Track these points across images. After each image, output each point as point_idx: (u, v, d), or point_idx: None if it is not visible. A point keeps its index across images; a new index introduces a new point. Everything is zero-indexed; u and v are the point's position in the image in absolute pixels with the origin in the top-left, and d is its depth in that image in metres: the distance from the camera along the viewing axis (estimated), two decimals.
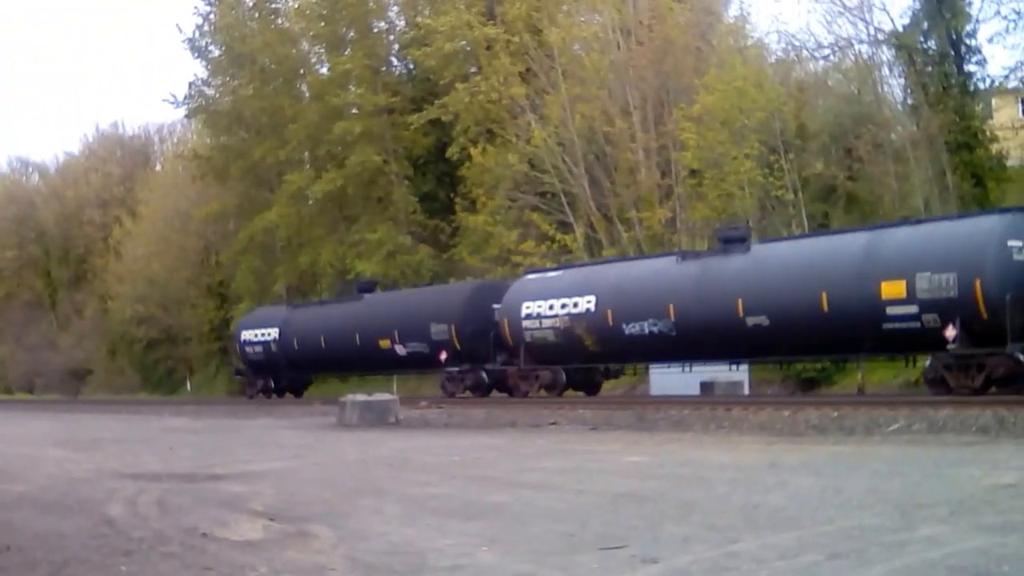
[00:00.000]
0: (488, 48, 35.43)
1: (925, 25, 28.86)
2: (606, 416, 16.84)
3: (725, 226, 23.07)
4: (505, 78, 34.04)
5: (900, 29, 29.47)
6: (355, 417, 18.51)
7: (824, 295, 17.97)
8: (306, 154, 43.54)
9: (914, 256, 17.22)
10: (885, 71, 31.44)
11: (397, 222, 39.11)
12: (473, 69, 36.98)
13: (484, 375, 24.93)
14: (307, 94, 43.89)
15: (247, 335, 33.20)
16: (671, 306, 20.46)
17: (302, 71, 44.45)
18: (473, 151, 34.80)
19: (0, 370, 66.01)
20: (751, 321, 19.06)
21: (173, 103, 47.94)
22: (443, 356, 25.36)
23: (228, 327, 46.14)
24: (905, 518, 6.30)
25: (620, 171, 31.91)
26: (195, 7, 45.40)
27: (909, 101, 30.28)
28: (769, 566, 5.08)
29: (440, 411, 20.13)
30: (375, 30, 42.22)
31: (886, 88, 31.76)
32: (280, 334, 31.53)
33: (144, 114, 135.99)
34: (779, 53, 34.53)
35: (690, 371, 22.40)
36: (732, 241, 20.63)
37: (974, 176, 27.31)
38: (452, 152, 36.33)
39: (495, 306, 24.59)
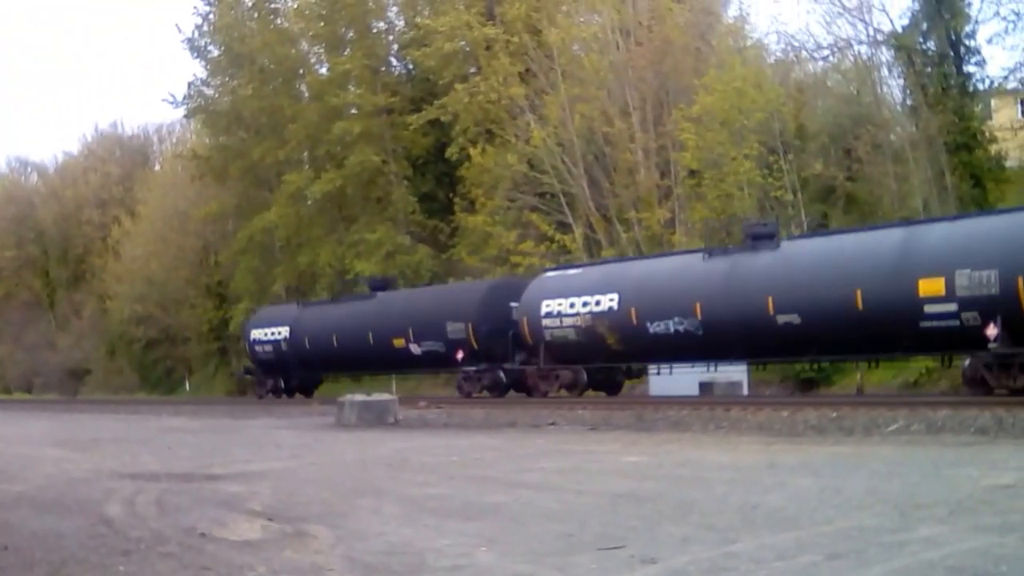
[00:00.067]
0: (487, 48, 35.42)
1: (924, 26, 28.88)
2: (605, 416, 16.85)
3: (751, 222, 22.51)
4: (504, 78, 34.02)
5: (899, 30, 29.51)
6: (353, 417, 18.51)
7: (859, 292, 17.51)
8: (305, 154, 43.50)
9: (953, 252, 16.73)
10: (884, 72, 31.49)
11: (396, 222, 39.08)
12: (472, 69, 36.96)
13: (502, 375, 24.46)
14: (306, 94, 43.85)
15: (256, 334, 32.64)
16: (697, 304, 19.98)
17: (301, 71, 44.41)
18: (472, 151, 34.78)
19: None
20: (782, 319, 18.59)
21: (172, 103, 47.89)
22: (460, 355, 24.91)
23: (227, 327, 46.15)
24: (904, 518, 6.31)
25: (619, 171, 31.89)
26: (194, 7, 45.34)
27: (908, 102, 30.30)
28: (767, 566, 5.08)
29: (439, 411, 20.13)
30: (374, 30, 42.19)
31: (885, 89, 31.81)
32: (291, 333, 31.03)
33: (143, 114, 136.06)
34: (778, 54, 34.58)
35: (715, 370, 22.14)
36: (760, 237, 20.10)
37: (973, 177, 27.32)
38: (451, 152, 36.30)
39: (512, 304, 24.10)
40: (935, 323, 16.66)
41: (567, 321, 22.48)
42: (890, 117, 30.49)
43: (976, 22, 29.02)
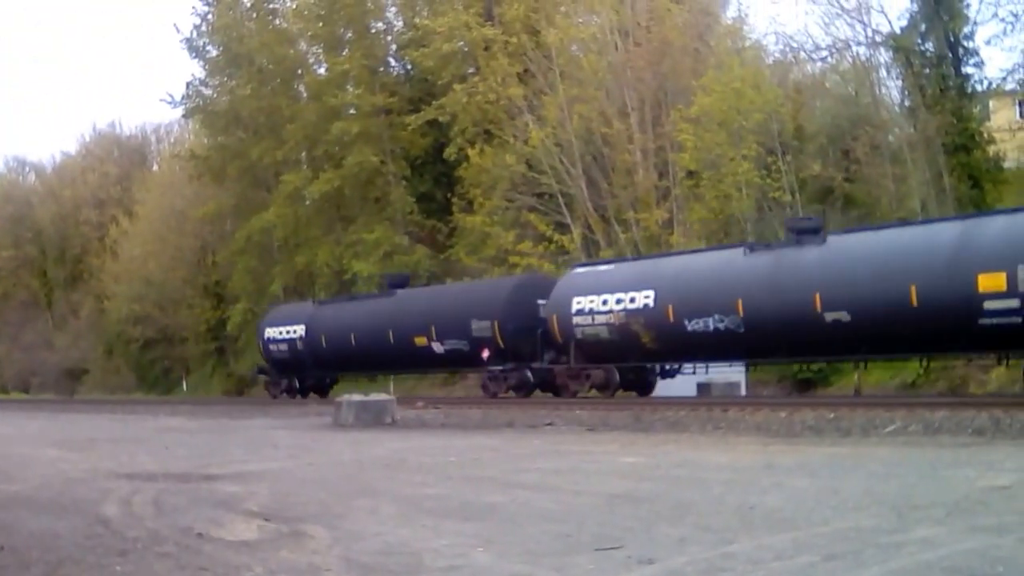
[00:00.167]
0: (486, 49, 35.40)
1: (923, 27, 28.89)
2: (602, 417, 16.84)
3: (794, 217, 21.72)
4: (503, 79, 34.00)
5: (898, 31, 29.54)
6: (351, 417, 18.49)
7: (913, 288, 16.83)
8: (303, 154, 43.48)
9: (1015, 246, 16.05)
10: (883, 73, 31.48)
11: (394, 222, 39.07)
12: (471, 70, 36.94)
13: (529, 374, 23.67)
14: (305, 94, 43.81)
15: (271, 332, 31.78)
16: (739, 301, 19.22)
17: (300, 71, 44.38)
18: (470, 152, 34.78)
19: None
20: (830, 317, 17.89)
21: (170, 103, 47.95)
22: (485, 354, 24.12)
23: (224, 327, 46.13)
24: (901, 519, 6.31)
25: (617, 172, 31.89)
26: (193, 7, 45.33)
27: (906, 103, 30.32)
28: (765, 567, 5.08)
29: (437, 411, 20.13)
30: (373, 31, 42.18)
31: (884, 90, 31.83)
32: (307, 331, 30.20)
33: (141, 114, 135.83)
34: (777, 54, 34.61)
35: (751, 371, 21.59)
36: (805, 232, 19.42)
37: (971, 178, 27.34)
38: (449, 153, 36.29)
39: (540, 301, 23.44)
40: (995, 320, 15.97)
41: (599, 319, 21.69)
42: (888, 118, 30.51)
43: (974, 23, 29.09)
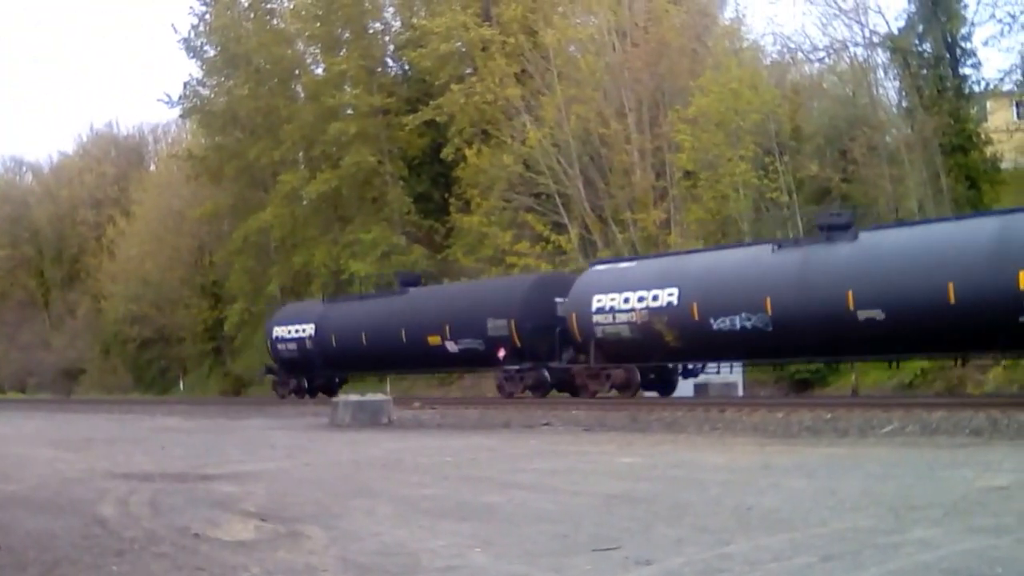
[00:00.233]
0: (484, 49, 35.42)
1: (920, 28, 28.94)
2: (599, 417, 16.84)
3: (825, 212, 21.35)
4: (500, 79, 34.01)
5: (895, 32, 29.57)
6: (348, 418, 18.48)
7: (951, 286, 16.34)
8: (301, 154, 43.52)
9: None
10: (880, 74, 31.53)
11: (391, 223, 39.08)
12: (468, 70, 36.96)
13: (546, 374, 23.19)
14: (302, 95, 43.82)
15: (279, 331, 31.16)
16: (767, 299, 18.72)
17: (297, 72, 44.40)
18: (468, 152, 34.79)
19: None
20: (863, 315, 17.39)
21: (168, 103, 48.02)
22: (501, 353, 23.54)
23: (221, 327, 46.14)
24: (898, 520, 6.30)
25: (615, 172, 31.90)
26: (191, 7, 45.26)
27: (904, 104, 30.36)
28: (762, 568, 5.08)
29: (433, 412, 20.13)
30: (370, 31, 42.19)
31: (881, 91, 31.85)
32: (316, 330, 29.63)
33: (139, 114, 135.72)
34: (774, 55, 34.67)
35: (782, 370, 21.14)
36: (836, 228, 18.92)
37: (968, 179, 27.39)
38: (447, 153, 36.30)
39: (558, 300, 22.96)
40: None
41: (621, 317, 21.12)
42: (886, 119, 30.55)
43: (972, 24, 29.17)
